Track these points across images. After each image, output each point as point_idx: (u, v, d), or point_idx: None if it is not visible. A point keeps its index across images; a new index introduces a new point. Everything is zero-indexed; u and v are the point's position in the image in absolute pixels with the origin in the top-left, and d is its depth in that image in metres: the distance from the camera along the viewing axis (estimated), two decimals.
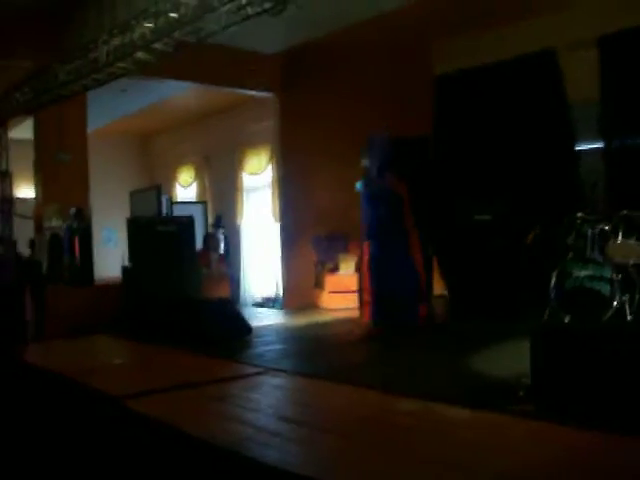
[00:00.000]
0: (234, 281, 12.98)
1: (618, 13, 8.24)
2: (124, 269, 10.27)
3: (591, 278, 6.90)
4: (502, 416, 3.92)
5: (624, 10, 8.17)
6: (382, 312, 8.27)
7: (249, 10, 6.47)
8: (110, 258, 12.69)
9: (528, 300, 7.64)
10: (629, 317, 6.66)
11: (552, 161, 9.03)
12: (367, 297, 8.51)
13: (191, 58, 9.59)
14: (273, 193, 13.52)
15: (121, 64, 7.97)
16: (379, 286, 8.33)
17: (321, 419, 3.96)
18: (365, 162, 8.83)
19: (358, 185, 8.86)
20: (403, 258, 8.34)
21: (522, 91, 9.33)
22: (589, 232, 7.15)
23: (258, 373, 5.37)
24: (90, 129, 11.80)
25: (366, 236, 8.71)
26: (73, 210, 10.58)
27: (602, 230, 7.12)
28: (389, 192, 8.49)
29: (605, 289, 6.80)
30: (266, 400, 4.50)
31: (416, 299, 8.40)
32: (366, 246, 8.74)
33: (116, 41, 7.65)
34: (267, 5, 6.27)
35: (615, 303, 6.69)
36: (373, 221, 8.42)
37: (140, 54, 7.67)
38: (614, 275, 6.75)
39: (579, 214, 7.29)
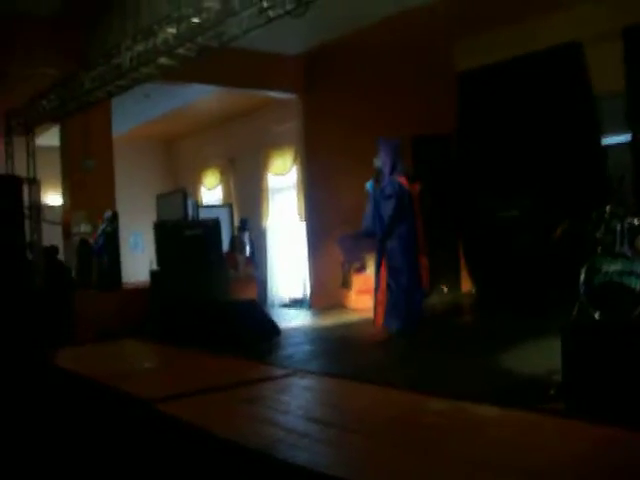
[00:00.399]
0: (261, 283, 13.02)
1: None
2: (152, 273, 10.36)
3: (621, 273, 6.81)
4: (532, 414, 3.89)
5: None
6: (391, 314, 8.22)
7: (270, 13, 6.49)
8: (138, 263, 12.81)
9: (557, 296, 7.58)
10: None
11: (579, 155, 8.95)
12: (381, 297, 8.41)
13: (214, 62, 9.63)
14: (298, 193, 13.54)
15: (144, 69, 8.03)
16: (388, 286, 8.28)
17: (350, 420, 3.95)
18: (376, 162, 8.83)
19: (368, 185, 8.85)
20: (413, 258, 8.32)
21: (547, 85, 9.26)
22: (618, 226, 7.07)
23: (287, 375, 5.36)
24: (115, 135, 11.91)
25: (366, 233, 8.68)
26: (109, 213, 10.71)
27: (631, 224, 7.04)
28: (402, 191, 8.48)
29: (635, 284, 6.72)
30: (296, 402, 4.49)
31: (421, 301, 8.39)
32: (380, 247, 8.67)
33: (139, 47, 7.71)
34: (289, 7, 6.29)
35: None
36: (384, 220, 8.39)
37: (163, 59, 7.73)
38: None
39: (607, 208, 7.22)
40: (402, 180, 8.59)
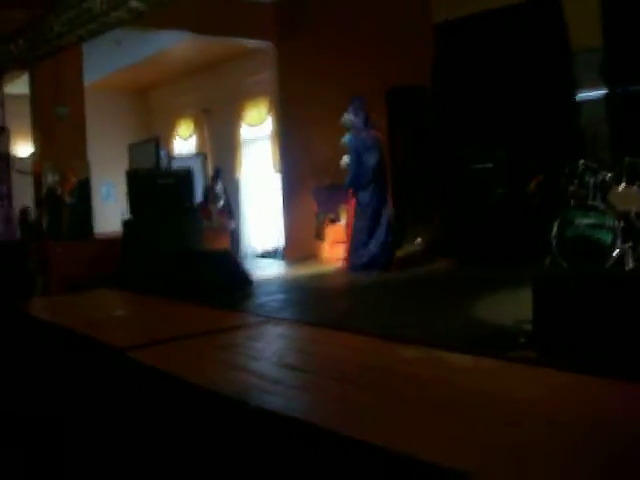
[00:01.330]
0: (234, 233, 12.99)
1: None
2: (124, 222, 10.26)
3: (593, 226, 6.91)
4: (504, 363, 3.93)
5: None
6: (359, 259, 8.66)
7: None
8: (109, 213, 12.69)
9: (529, 248, 7.65)
10: (630, 265, 6.68)
11: (554, 109, 8.97)
12: (350, 244, 8.84)
13: (186, 8, 9.46)
14: (273, 144, 13.45)
15: (115, 13, 7.85)
16: (361, 234, 8.68)
17: (324, 366, 3.97)
18: (349, 117, 8.98)
19: (347, 139, 8.95)
20: (385, 207, 8.74)
21: (524, 38, 9.22)
22: (591, 180, 7.13)
23: (260, 322, 5.37)
24: (86, 83, 11.67)
25: (354, 186, 8.89)
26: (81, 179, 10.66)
27: (604, 178, 7.10)
28: (377, 144, 8.78)
29: (607, 237, 6.80)
30: (269, 348, 4.50)
31: (391, 248, 8.75)
32: (352, 195, 8.95)
33: None
34: None
35: (616, 251, 6.70)
36: (366, 170, 8.63)
37: (134, 2, 7.55)
38: (616, 223, 6.75)
39: (581, 162, 7.27)
40: (378, 134, 8.66)
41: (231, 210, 13.29)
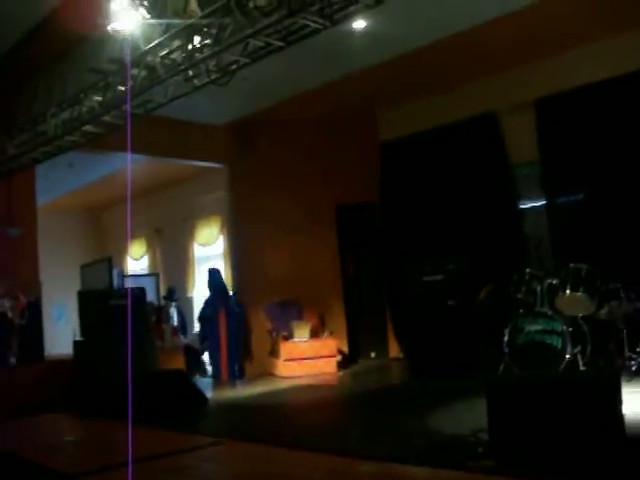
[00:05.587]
0: (192, 350, 12.83)
1: (553, 76, 8.64)
2: (75, 343, 10.06)
3: (542, 332, 7.04)
4: (462, 473, 3.92)
5: (559, 73, 8.58)
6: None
7: (196, 81, 6.58)
8: (61, 333, 12.44)
9: (483, 356, 7.73)
10: (582, 368, 6.77)
11: (497, 220, 9.29)
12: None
13: (141, 131, 9.64)
14: (225, 263, 13.50)
15: (70, 137, 7.97)
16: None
17: None
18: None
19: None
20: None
21: (466, 153, 9.66)
22: (538, 287, 7.32)
23: (213, 443, 5.27)
24: (39, 204, 11.70)
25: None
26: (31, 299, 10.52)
27: (550, 284, 7.30)
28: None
29: (557, 342, 6.93)
30: (223, 470, 4.42)
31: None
32: None
33: (65, 114, 7.66)
34: (213, 76, 6.39)
35: (567, 355, 6.81)
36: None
37: (89, 127, 7.70)
38: (564, 328, 6.89)
39: (527, 270, 7.47)
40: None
41: (185, 327, 13.19)
